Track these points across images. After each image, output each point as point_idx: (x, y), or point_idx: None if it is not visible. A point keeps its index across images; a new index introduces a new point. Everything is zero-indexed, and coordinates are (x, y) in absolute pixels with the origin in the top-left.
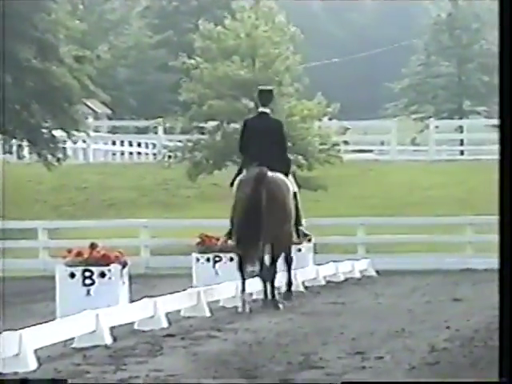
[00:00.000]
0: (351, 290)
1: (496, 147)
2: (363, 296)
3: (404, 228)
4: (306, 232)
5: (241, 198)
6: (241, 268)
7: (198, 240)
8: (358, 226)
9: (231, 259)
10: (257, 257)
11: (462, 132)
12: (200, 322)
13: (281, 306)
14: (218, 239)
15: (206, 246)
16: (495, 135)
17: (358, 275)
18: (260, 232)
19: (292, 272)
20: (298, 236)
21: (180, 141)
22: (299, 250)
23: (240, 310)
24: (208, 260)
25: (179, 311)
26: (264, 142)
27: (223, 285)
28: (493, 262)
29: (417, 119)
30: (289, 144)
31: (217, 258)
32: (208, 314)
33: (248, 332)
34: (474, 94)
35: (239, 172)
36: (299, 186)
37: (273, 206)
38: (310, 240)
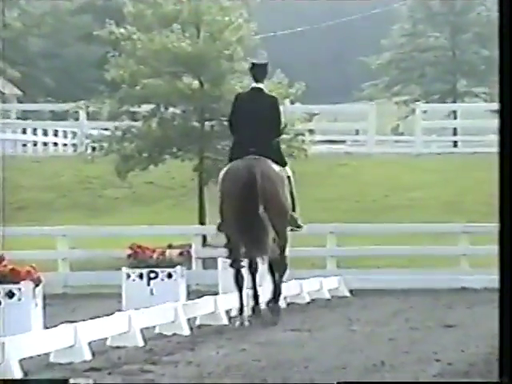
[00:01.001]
0: (319, 314)
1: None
2: (333, 321)
3: (383, 237)
4: (299, 223)
5: (231, 197)
6: (233, 264)
7: (129, 252)
8: (327, 234)
9: (169, 275)
10: (266, 243)
11: (455, 118)
12: (131, 353)
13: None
14: (153, 250)
15: (138, 259)
16: (496, 122)
17: (326, 295)
18: (264, 241)
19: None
20: (290, 223)
21: (107, 129)
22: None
23: (237, 323)
24: (141, 276)
25: (105, 340)
26: (257, 123)
27: (160, 307)
28: (493, 279)
29: (400, 103)
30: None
31: (152, 274)
32: (141, 344)
33: (191, 366)
34: (471, 71)
35: (229, 162)
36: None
37: (269, 206)
38: (298, 227)
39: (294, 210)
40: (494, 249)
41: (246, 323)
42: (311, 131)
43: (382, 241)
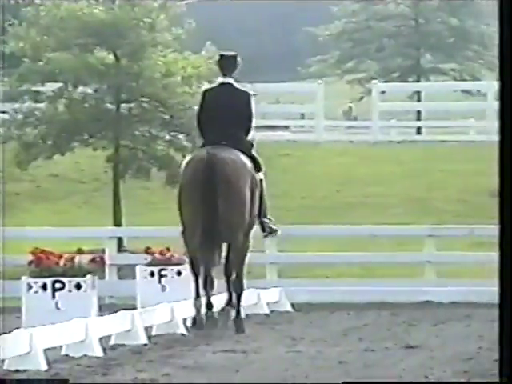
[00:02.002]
0: (256, 332)
1: (469, 122)
2: (273, 341)
3: (334, 242)
4: (273, 226)
5: (187, 188)
6: (194, 271)
7: (30, 258)
8: (267, 238)
9: (78, 286)
10: (217, 255)
11: (419, 100)
12: (33, 378)
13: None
14: (59, 256)
15: (41, 266)
16: (468, 105)
17: (265, 310)
18: (218, 230)
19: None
20: (264, 230)
21: (4, 111)
22: (179, 272)
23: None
24: (44, 287)
25: (1, 362)
26: (227, 121)
27: (67, 324)
28: (463, 291)
29: (353, 82)
30: (166, 117)
31: (57, 285)
32: (44, 367)
33: None
34: (438, 44)
35: None
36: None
37: (228, 195)
38: (272, 232)
39: (265, 215)
40: (466, 256)
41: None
42: None
43: (332, 246)
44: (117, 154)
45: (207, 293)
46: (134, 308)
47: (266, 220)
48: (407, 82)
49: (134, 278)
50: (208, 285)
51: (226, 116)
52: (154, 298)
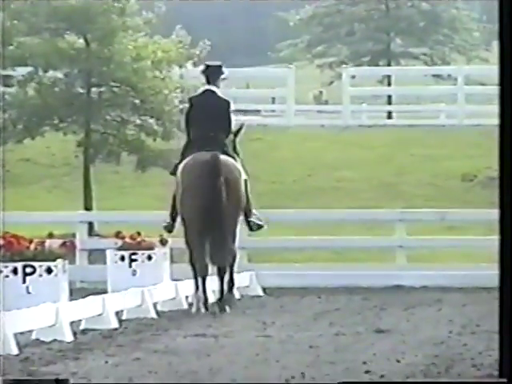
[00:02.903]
0: (227, 317)
1: (440, 107)
2: (244, 326)
3: (304, 226)
4: (259, 222)
5: (193, 186)
6: (192, 263)
7: (1, 242)
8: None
9: (49, 271)
10: (226, 251)
11: (389, 85)
12: (3, 362)
13: (227, 308)
14: (30, 241)
15: (12, 251)
16: (438, 89)
17: (236, 295)
18: (223, 223)
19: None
20: (251, 228)
21: None
22: (149, 257)
23: (194, 309)
24: (15, 272)
25: None
26: (212, 125)
27: (38, 308)
28: (433, 275)
29: (324, 66)
30: (136, 101)
31: (28, 269)
32: (15, 351)
33: (74, 378)
34: (408, 28)
35: (182, 158)
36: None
37: (229, 194)
38: (259, 228)
39: (250, 215)
40: (437, 240)
41: (203, 310)
42: None
43: (302, 230)
44: (87, 138)
45: (204, 292)
46: (105, 292)
47: (252, 219)
48: (378, 66)
49: (105, 262)
50: (205, 284)
51: (209, 120)
52: (124, 283)
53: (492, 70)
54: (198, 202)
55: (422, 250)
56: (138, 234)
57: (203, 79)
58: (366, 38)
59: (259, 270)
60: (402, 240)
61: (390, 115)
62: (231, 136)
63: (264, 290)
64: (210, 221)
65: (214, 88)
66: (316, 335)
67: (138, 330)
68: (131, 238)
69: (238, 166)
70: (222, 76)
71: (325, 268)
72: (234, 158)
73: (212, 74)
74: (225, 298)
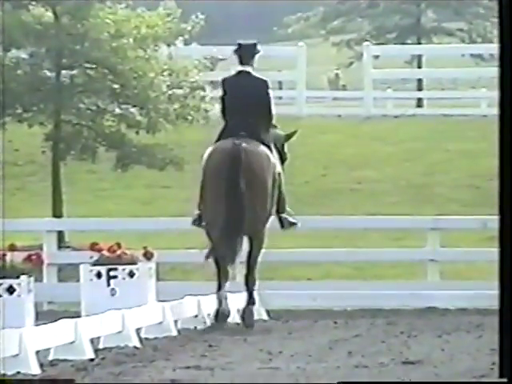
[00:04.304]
0: (225, 345)
1: (481, 93)
2: (245, 355)
3: (319, 235)
4: (292, 220)
5: (212, 176)
6: (216, 262)
7: None
8: None
9: (11, 290)
10: (237, 252)
11: (419, 67)
12: None
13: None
14: None
15: None
16: (479, 71)
17: (235, 318)
18: (242, 221)
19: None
20: (283, 226)
21: None
22: (131, 273)
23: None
24: None
25: None
26: (246, 110)
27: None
28: (474, 295)
29: (341, 44)
30: (116, 86)
31: None
32: None
33: None
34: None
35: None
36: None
37: (252, 186)
38: (291, 225)
39: (283, 211)
40: (477, 252)
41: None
42: (214, 84)
43: (316, 240)
44: (57, 130)
45: (221, 288)
46: (78, 316)
47: (284, 215)
48: (406, 44)
49: (78, 279)
50: (223, 279)
51: (245, 105)
52: (101, 304)
53: None
54: (216, 199)
55: (458, 265)
56: (118, 245)
57: (196, 59)
58: (391, 11)
59: (263, 289)
60: (434, 252)
61: (420, 103)
62: (281, 136)
63: (269, 312)
64: (229, 219)
65: (249, 68)
66: (332, 367)
67: (117, 362)
68: (110, 250)
69: (270, 155)
70: (258, 55)
71: (342, 287)
72: (268, 146)
73: (246, 53)
74: (251, 311)
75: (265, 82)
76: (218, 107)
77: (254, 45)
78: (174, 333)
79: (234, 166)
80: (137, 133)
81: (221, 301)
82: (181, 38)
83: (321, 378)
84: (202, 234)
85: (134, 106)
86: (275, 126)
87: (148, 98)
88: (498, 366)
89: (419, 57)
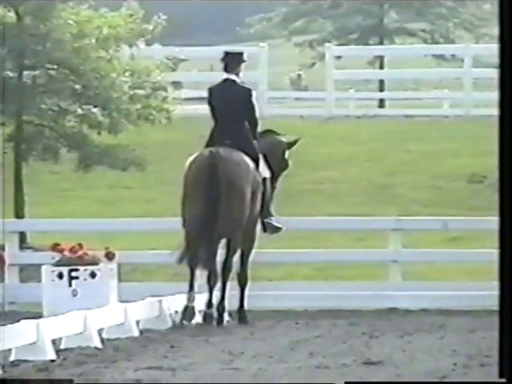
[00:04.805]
0: (187, 346)
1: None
2: (207, 356)
3: (279, 237)
4: (277, 224)
5: (190, 185)
6: (191, 269)
7: None
8: None
9: None
10: (211, 257)
11: (382, 67)
12: None
13: (226, 319)
14: None
15: None
16: (441, 72)
17: (198, 319)
18: (216, 227)
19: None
20: (265, 230)
21: None
22: (93, 274)
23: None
24: None
25: None
26: (230, 117)
27: None
28: (435, 296)
29: (303, 44)
30: (77, 87)
31: None
32: None
33: None
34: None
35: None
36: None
37: (229, 193)
38: (275, 230)
39: (269, 216)
40: (437, 253)
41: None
42: (176, 84)
43: (277, 241)
44: (19, 131)
45: (210, 290)
46: (40, 316)
47: (268, 220)
48: (368, 45)
49: (40, 280)
50: (212, 281)
51: (229, 113)
52: (63, 305)
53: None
54: (193, 206)
55: (420, 266)
56: (80, 246)
57: (158, 60)
58: (353, 11)
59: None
60: (396, 253)
61: (382, 103)
62: (281, 144)
63: (230, 313)
64: (203, 227)
65: (233, 77)
66: (294, 368)
67: (79, 362)
68: (71, 251)
69: (249, 162)
70: (244, 64)
71: (304, 287)
72: (253, 152)
73: (231, 61)
74: (244, 310)
75: (249, 90)
76: (179, 107)
77: (241, 53)
78: (136, 333)
79: (211, 174)
80: (99, 133)
81: (190, 299)
82: (143, 39)
83: (282, 378)
84: (163, 235)
85: (96, 107)
86: (277, 134)
87: (110, 99)
88: (498, 366)
89: (381, 57)
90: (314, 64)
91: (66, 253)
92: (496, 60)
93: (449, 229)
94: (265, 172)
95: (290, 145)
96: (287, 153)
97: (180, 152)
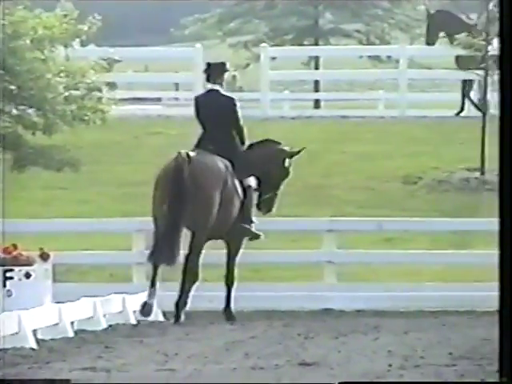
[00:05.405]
0: (121, 347)
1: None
2: (142, 357)
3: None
4: (255, 232)
5: (158, 185)
6: (155, 266)
7: None
8: (134, 232)
9: None
10: (173, 254)
11: (317, 68)
12: None
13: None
14: None
15: None
16: (376, 73)
17: (132, 320)
18: (179, 226)
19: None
20: (244, 234)
21: None
22: (27, 274)
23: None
24: None
25: None
26: (213, 126)
27: None
28: (369, 297)
29: (238, 45)
30: (12, 87)
31: None
32: None
33: None
34: (339, 1)
35: None
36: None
37: (194, 194)
38: (253, 238)
39: (249, 222)
40: (371, 254)
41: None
42: (111, 85)
43: (214, 242)
44: None
45: (151, 289)
46: None
47: (245, 225)
48: (303, 45)
49: None
50: (156, 277)
51: (213, 121)
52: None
53: (440, 50)
54: (159, 205)
55: (354, 267)
56: (14, 246)
57: (93, 61)
58: (288, 12)
59: (159, 291)
60: (331, 254)
61: (317, 104)
62: (281, 153)
63: (165, 314)
64: (167, 225)
65: (216, 87)
66: (229, 369)
67: (13, 363)
68: (5, 251)
69: (223, 168)
70: (226, 73)
71: (239, 288)
72: (235, 158)
73: (214, 72)
74: (230, 309)
75: (232, 99)
76: (114, 108)
77: (223, 64)
78: (71, 334)
79: (176, 175)
80: (33, 134)
81: (150, 295)
82: (78, 39)
83: (217, 379)
84: (98, 236)
85: (31, 107)
86: (278, 143)
87: (45, 100)
88: (498, 366)
89: (316, 58)
90: (248, 65)
91: (0, 253)
92: (431, 62)
93: (383, 230)
94: (250, 180)
95: (293, 154)
96: (287, 161)
97: (115, 153)
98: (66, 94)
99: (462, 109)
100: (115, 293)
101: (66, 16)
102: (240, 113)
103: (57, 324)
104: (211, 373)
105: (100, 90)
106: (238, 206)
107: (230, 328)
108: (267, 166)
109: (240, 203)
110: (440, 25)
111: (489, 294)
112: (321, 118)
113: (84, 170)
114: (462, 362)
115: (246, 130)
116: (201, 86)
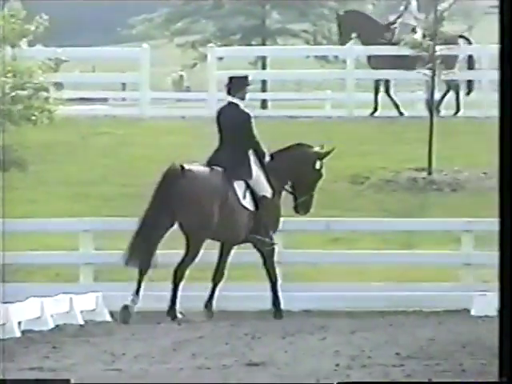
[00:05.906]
0: (68, 346)
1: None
2: (89, 357)
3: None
4: (271, 241)
5: (152, 193)
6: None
7: None
8: (81, 232)
9: None
10: (146, 257)
11: (264, 68)
12: None
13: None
14: None
15: None
16: (323, 73)
17: (79, 320)
18: (154, 230)
19: None
20: (255, 246)
21: None
22: None
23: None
24: None
25: None
26: (228, 138)
27: None
28: (316, 297)
29: (185, 45)
30: None
31: None
32: None
33: None
34: (286, 1)
35: None
36: None
37: (183, 203)
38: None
39: (265, 232)
40: (318, 254)
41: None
42: (58, 85)
43: (166, 242)
44: None
45: (137, 289)
46: None
47: (257, 236)
48: (250, 45)
49: None
50: (141, 279)
51: (228, 134)
52: None
53: (388, 50)
54: (146, 211)
55: (301, 267)
56: None
57: (40, 60)
58: (235, 12)
59: (107, 291)
60: (278, 254)
61: (264, 104)
62: (310, 156)
63: (112, 314)
64: (143, 228)
65: (236, 100)
66: (175, 369)
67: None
68: None
69: (219, 179)
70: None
71: (186, 288)
72: (244, 172)
73: (235, 85)
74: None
75: (248, 115)
76: (61, 108)
77: (245, 78)
78: (18, 334)
79: (165, 185)
80: None
81: (133, 298)
82: (25, 39)
83: (164, 379)
84: (46, 236)
85: None
86: (309, 146)
87: None
88: (498, 366)
89: (263, 58)
90: (195, 65)
91: None
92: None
93: (331, 230)
94: (263, 190)
95: (323, 155)
96: (318, 163)
97: (62, 152)
98: (13, 93)
99: (376, 109)
100: (63, 293)
101: (13, 16)
102: (254, 128)
103: (4, 324)
104: (158, 373)
105: (47, 90)
106: (245, 216)
107: (177, 328)
108: (299, 170)
109: (250, 214)
110: (351, 25)
111: (436, 294)
112: (268, 117)
113: (31, 170)
114: (410, 361)
115: (259, 143)
116: (147, 86)
